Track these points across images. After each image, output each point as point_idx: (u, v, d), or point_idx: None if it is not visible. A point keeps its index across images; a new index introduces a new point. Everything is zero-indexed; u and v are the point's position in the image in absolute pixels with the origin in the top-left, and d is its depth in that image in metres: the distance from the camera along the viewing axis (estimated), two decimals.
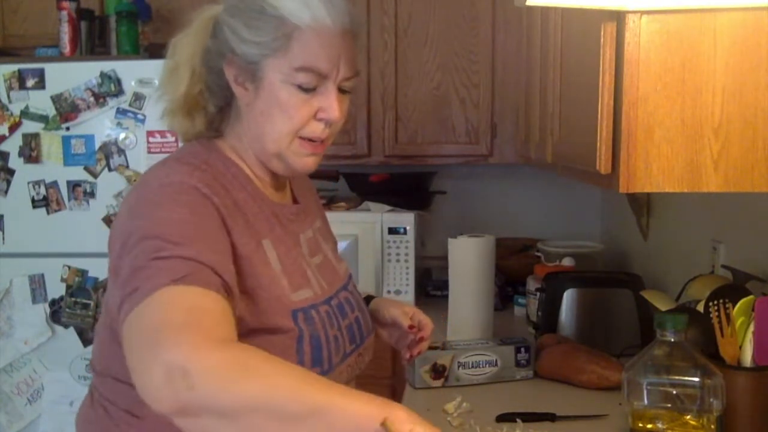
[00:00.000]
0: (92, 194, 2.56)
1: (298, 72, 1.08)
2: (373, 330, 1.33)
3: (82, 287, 2.57)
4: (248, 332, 1.03)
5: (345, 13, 1.11)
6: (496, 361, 1.82)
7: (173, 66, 1.16)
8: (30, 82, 2.56)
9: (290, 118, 1.10)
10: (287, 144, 1.12)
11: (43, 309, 2.60)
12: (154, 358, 0.84)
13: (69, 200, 2.58)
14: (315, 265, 1.22)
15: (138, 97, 2.52)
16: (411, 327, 1.37)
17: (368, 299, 1.43)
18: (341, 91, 1.13)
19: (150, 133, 2.52)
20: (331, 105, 1.11)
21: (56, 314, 2.59)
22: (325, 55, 1.09)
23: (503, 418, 1.57)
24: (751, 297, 1.35)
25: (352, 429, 0.81)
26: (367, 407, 0.83)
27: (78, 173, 2.57)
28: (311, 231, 1.27)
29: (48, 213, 2.59)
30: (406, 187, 2.83)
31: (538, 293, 2.18)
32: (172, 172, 1.07)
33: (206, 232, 1.00)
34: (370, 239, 2.58)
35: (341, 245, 1.38)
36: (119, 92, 2.52)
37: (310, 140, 1.13)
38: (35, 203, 2.59)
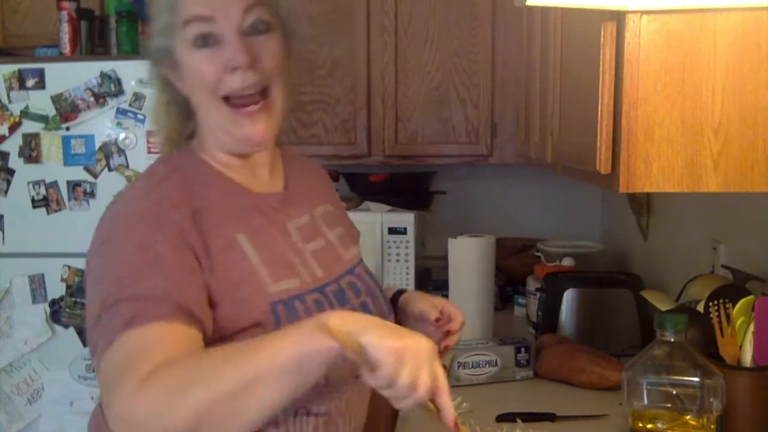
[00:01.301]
0: (92, 194, 2.56)
1: (187, 27, 1.07)
2: (388, 316, 1.26)
3: (82, 287, 2.57)
4: (227, 337, 1.03)
5: None
6: (496, 361, 1.82)
7: (165, 101, 1.17)
8: (30, 82, 2.56)
9: (202, 79, 1.08)
10: (218, 111, 1.10)
11: (43, 309, 2.60)
12: (110, 412, 0.90)
13: (69, 200, 2.58)
14: (311, 251, 1.18)
15: (138, 97, 2.52)
16: (437, 320, 1.30)
17: (399, 294, 1.39)
18: (255, 33, 1.09)
19: (150, 133, 2.52)
20: (234, 49, 1.06)
21: (56, 314, 2.59)
22: (203, 3, 1.07)
23: (503, 418, 1.57)
24: (751, 297, 1.35)
25: (297, 359, 0.83)
26: (298, 332, 0.85)
27: (78, 173, 2.57)
28: (307, 217, 1.22)
29: (48, 213, 2.59)
30: (406, 187, 2.83)
31: (538, 293, 2.18)
32: (130, 197, 1.09)
33: (157, 260, 0.99)
34: (370, 239, 2.58)
35: None
36: (119, 92, 2.52)
37: (240, 103, 1.09)
38: (35, 203, 2.59)
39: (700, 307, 1.41)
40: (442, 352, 1.33)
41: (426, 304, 1.33)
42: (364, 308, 1.20)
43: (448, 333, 1.32)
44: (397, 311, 1.36)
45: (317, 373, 0.85)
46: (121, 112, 2.53)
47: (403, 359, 0.82)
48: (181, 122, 1.17)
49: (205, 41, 1.07)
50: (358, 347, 0.81)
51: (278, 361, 0.84)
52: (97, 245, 1.05)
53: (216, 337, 1.02)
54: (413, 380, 0.83)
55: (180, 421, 0.84)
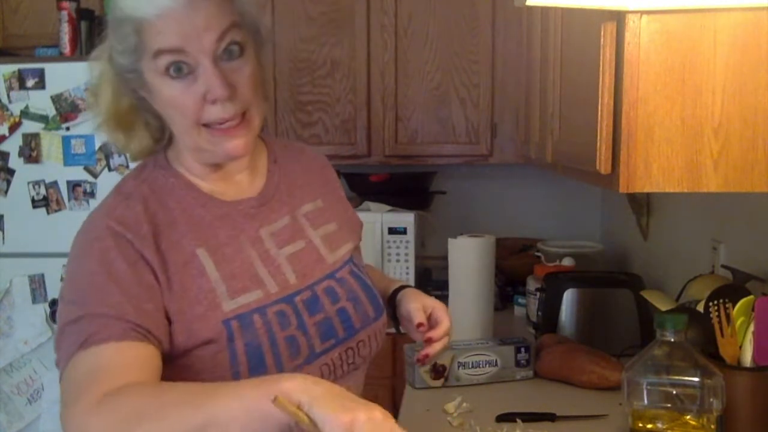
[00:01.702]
0: (92, 194, 2.56)
1: (157, 59, 1.02)
2: (375, 320, 1.20)
3: None
4: (182, 353, 1.03)
5: None
6: (496, 361, 1.82)
7: (93, 86, 1.14)
8: (30, 82, 2.56)
9: (181, 112, 1.05)
10: (197, 135, 1.07)
11: (43, 309, 2.60)
12: (65, 429, 0.92)
13: (69, 200, 2.58)
14: (286, 255, 1.15)
15: None
16: (419, 325, 1.23)
17: (401, 289, 1.33)
18: (230, 58, 1.04)
19: None
20: (212, 83, 1.02)
21: (56, 314, 2.59)
22: (175, 33, 1.01)
23: (503, 418, 1.57)
24: (751, 297, 1.35)
25: (247, 419, 0.81)
26: (253, 391, 0.82)
27: (78, 173, 2.57)
28: (287, 218, 1.18)
29: (48, 213, 2.59)
30: (406, 187, 2.83)
31: (538, 293, 2.18)
32: (94, 216, 1.09)
33: (113, 278, 1.01)
34: (370, 239, 2.58)
35: None
36: None
37: (220, 126, 1.06)
38: (35, 203, 2.59)
39: (700, 307, 1.41)
40: (421, 360, 1.26)
41: (416, 306, 1.26)
42: (341, 315, 1.15)
43: (429, 340, 1.24)
44: (395, 308, 1.32)
45: (275, 428, 0.81)
46: None
47: None
48: (156, 122, 1.14)
49: (179, 71, 1.03)
50: (309, 422, 0.77)
51: (232, 416, 0.81)
52: (68, 263, 1.08)
53: (171, 354, 1.03)
54: None
55: None
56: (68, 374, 0.97)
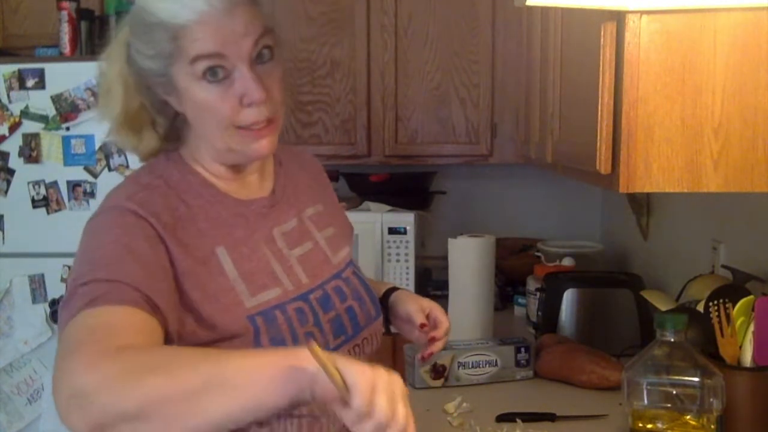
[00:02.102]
0: (92, 194, 2.56)
1: (195, 64, 1.03)
2: (375, 319, 1.25)
3: None
4: (203, 344, 1.03)
5: None
6: (496, 361, 1.82)
7: (106, 87, 1.14)
8: (30, 82, 2.56)
9: (216, 115, 1.07)
10: (230, 137, 1.08)
11: (43, 309, 2.60)
12: (58, 384, 0.87)
13: (69, 200, 2.58)
14: (296, 256, 1.17)
15: None
16: (422, 325, 1.29)
17: (392, 291, 1.38)
18: (262, 62, 1.07)
19: None
20: (249, 86, 1.04)
21: (56, 314, 2.58)
22: (216, 40, 1.03)
23: (503, 418, 1.57)
24: (751, 297, 1.35)
25: (259, 381, 0.82)
26: (268, 357, 0.84)
27: (78, 173, 2.57)
28: (295, 220, 1.21)
29: (48, 213, 2.59)
30: (406, 187, 2.83)
31: (538, 293, 2.18)
32: (115, 196, 1.08)
33: (133, 251, 1.00)
34: (370, 239, 2.58)
35: None
36: None
37: (252, 128, 1.08)
38: (35, 203, 2.59)
39: (700, 307, 1.41)
40: (425, 359, 1.33)
41: (414, 307, 1.32)
42: (350, 313, 1.19)
43: (433, 339, 1.31)
44: (387, 309, 1.35)
45: (282, 397, 0.82)
46: None
47: (377, 388, 0.81)
48: (165, 122, 1.14)
49: (215, 75, 1.05)
50: (335, 370, 0.79)
51: (247, 376, 0.82)
52: (82, 238, 1.06)
53: (189, 343, 1.02)
54: (391, 410, 0.81)
55: (129, 401, 0.82)
56: (71, 329, 0.93)
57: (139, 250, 1.00)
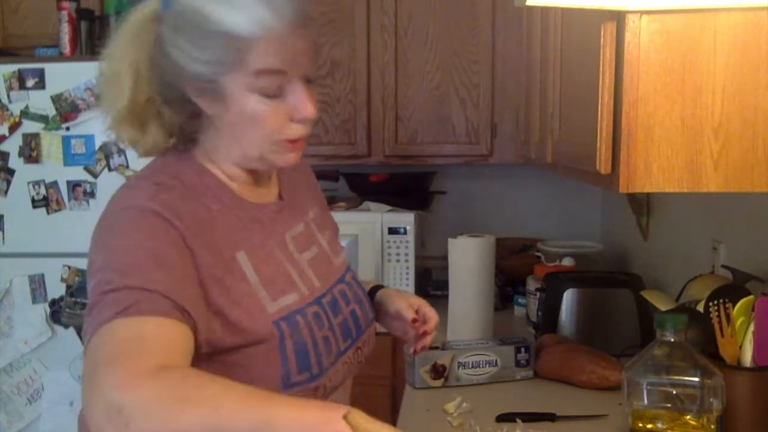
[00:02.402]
0: (92, 194, 2.56)
1: (258, 77, 1.04)
2: (372, 321, 1.29)
3: (82, 287, 2.57)
4: (228, 349, 1.02)
5: (288, 9, 1.05)
6: (496, 361, 1.82)
7: (112, 73, 1.10)
8: (30, 82, 2.56)
9: (264, 128, 1.07)
10: (268, 147, 1.09)
11: (43, 309, 2.60)
12: (94, 395, 0.85)
13: (69, 200, 2.58)
14: (306, 260, 1.18)
15: None
16: (414, 320, 1.31)
17: (376, 289, 1.40)
18: (309, 81, 1.09)
19: None
20: (304, 103, 1.07)
21: (56, 314, 2.59)
22: (280, 56, 1.04)
23: (503, 418, 1.57)
24: (751, 297, 1.35)
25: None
26: (313, 412, 0.84)
27: (78, 173, 2.57)
28: (302, 225, 1.22)
29: (48, 213, 2.59)
30: (406, 187, 2.83)
31: (538, 293, 2.18)
32: (136, 194, 1.05)
33: (161, 257, 0.98)
34: (370, 239, 2.58)
35: (340, 244, 1.36)
36: None
37: (294, 141, 1.10)
38: (35, 203, 2.59)
39: (700, 307, 1.41)
40: (417, 352, 1.35)
41: (403, 303, 1.34)
42: (353, 316, 1.22)
43: (424, 334, 1.33)
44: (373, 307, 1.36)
45: None
46: None
47: None
48: (173, 118, 1.12)
49: (272, 91, 1.06)
50: None
51: (288, 426, 0.82)
52: (101, 236, 1.03)
53: (219, 350, 1.02)
54: None
55: (167, 429, 0.82)
56: (103, 337, 0.90)
57: (167, 256, 0.98)
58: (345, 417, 0.82)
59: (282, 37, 1.04)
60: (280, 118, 1.07)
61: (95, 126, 2.54)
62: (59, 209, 2.58)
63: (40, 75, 2.56)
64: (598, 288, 2.07)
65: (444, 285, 2.30)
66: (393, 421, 1.58)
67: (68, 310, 2.58)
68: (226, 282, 1.04)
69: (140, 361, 0.86)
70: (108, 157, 2.55)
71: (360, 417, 0.83)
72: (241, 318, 1.04)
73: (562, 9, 1.50)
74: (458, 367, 1.80)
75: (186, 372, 0.88)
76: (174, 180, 1.08)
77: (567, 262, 2.45)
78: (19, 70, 2.56)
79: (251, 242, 1.11)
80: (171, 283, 0.96)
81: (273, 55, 1.04)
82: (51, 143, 2.56)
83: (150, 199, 1.03)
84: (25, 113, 2.57)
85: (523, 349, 1.84)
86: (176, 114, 1.11)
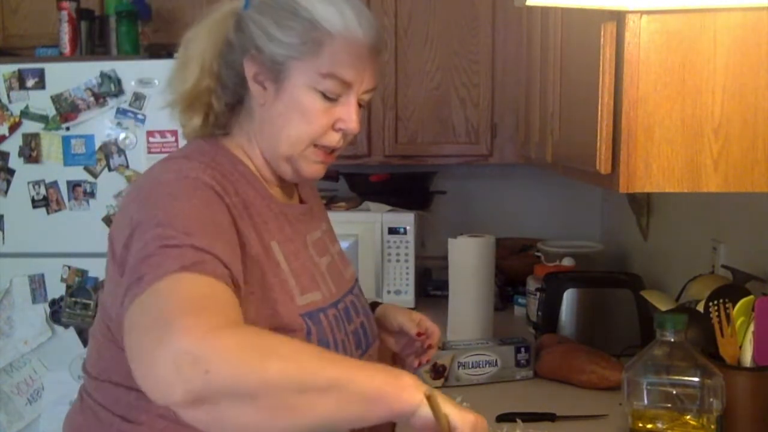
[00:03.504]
0: (92, 194, 2.56)
1: (325, 78, 1.07)
2: (377, 336, 1.30)
3: (82, 287, 2.57)
4: None
5: (374, 28, 1.11)
6: (496, 361, 1.82)
7: (183, 61, 1.14)
8: (30, 82, 2.56)
9: (309, 125, 1.09)
10: (302, 149, 1.11)
11: (43, 309, 2.60)
12: (162, 346, 0.79)
13: (69, 200, 2.58)
14: (324, 266, 1.20)
15: (138, 97, 2.52)
16: (419, 334, 1.35)
17: (374, 306, 1.40)
18: (359, 103, 1.13)
19: (150, 133, 2.52)
20: (351, 116, 1.10)
21: (56, 314, 2.59)
22: (353, 66, 1.08)
23: (503, 418, 1.57)
24: (751, 297, 1.35)
25: (371, 397, 0.82)
26: (384, 374, 0.85)
27: (78, 173, 2.57)
28: (319, 232, 1.25)
29: (48, 213, 2.59)
30: (406, 187, 2.83)
31: (538, 293, 2.18)
32: (186, 167, 1.04)
33: (219, 226, 0.98)
34: (370, 239, 2.58)
35: (341, 245, 1.36)
36: (119, 92, 2.52)
37: (324, 148, 1.13)
38: (35, 203, 2.59)
39: (700, 307, 1.41)
40: (422, 364, 1.39)
41: (405, 318, 1.36)
42: (363, 327, 1.22)
43: (429, 347, 1.37)
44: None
45: (384, 417, 0.84)
46: (121, 112, 2.53)
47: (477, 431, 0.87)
48: (220, 106, 1.14)
49: (331, 96, 1.09)
50: (444, 416, 0.85)
51: (359, 387, 0.82)
52: (155, 197, 0.99)
53: None
54: None
55: (247, 379, 0.79)
56: (170, 287, 0.86)
57: (223, 226, 0.99)
58: (427, 396, 0.84)
59: (360, 51, 1.08)
60: (324, 121, 1.10)
61: (95, 126, 2.55)
62: (59, 209, 2.58)
63: (40, 75, 2.56)
64: (598, 288, 2.07)
65: (444, 285, 2.30)
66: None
67: (68, 310, 2.58)
68: (263, 266, 1.06)
69: (217, 315, 0.83)
70: (108, 157, 2.55)
71: (441, 398, 0.85)
72: (275, 304, 1.05)
73: (562, 9, 1.50)
74: (458, 367, 1.80)
75: (263, 330, 0.88)
76: (213, 162, 1.09)
77: (567, 262, 2.45)
78: (19, 70, 2.56)
79: (283, 234, 1.13)
80: (228, 253, 0.95)
81: (348, 66, 1.08)
82: (51, 143, 2.56)
83: (202, 172, 1.03)
84: (25, 113, 2.57)
85: (523, 349, 1.84)
86: (221, 99, 1.14)
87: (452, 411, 0.86)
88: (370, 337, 1.24)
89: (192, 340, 0.79)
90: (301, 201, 1.26)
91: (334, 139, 1.12)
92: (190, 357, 0.78)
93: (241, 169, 1.13)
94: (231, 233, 1.00)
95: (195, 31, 1.15)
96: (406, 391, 0.84)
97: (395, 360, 1.41)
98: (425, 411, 0.83)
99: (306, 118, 1.09)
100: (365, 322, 1.24)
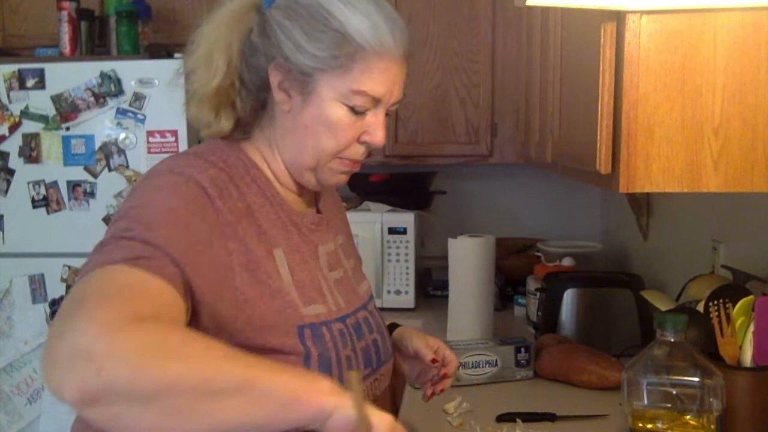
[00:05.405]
0: (92, 194, 2.56)
1: (355, 95, 1.05)
2: (392, 356, 1.25)
3: None
4: (250, 349, 0.98)
5: (406, 35, 1.08)
6: (496, 361, 1.82)
7: (207, 53, 1.09)
8: (30, 82, 2.56)
9: (336, 139, 1.07)
10: (324, 159, 1.09)
11: (43, 309, 2.60)
12: (61, 338, 0.77)
13: (69, 200, 2.58)
14: (333, 280, 1.16)
15: (138, 97, 2.52)
16: (434, 361, 1.29)
17: (392, 327, 1.36)
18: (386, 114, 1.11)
19: (150, 133, 2.53)
20: (378, 130, 1.08)
21: (56, 314, 2.59)
22: (383, 81, 1.06)
23: (503, 418, 1.57)
24: (751, 297, 1.35)
25: (281, 401, 0.79)
26: (296, 379, 0.82)
27: (78, 173, 2.57)
28: (332, 244, 1.21)
29: (48, 213, 2.59)
30: (406, 187, 2.83)
31: (538, 293, 2.18)
32: (186, 164, 1.03)
33: (190, 226, 0.95)
34: (370, 239, 2.58)
35: None
36: (119, 92, 2.52)
37: (348, 159, 1.11)
38: (35, 203, 2.59)
39: (700, 307, 1.41)
40: (435, 394, 1.33)
41: (421, 343, 1.30)
42: (375, 345, 1.18)
43: (444, 376, 1.31)
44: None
45: (297, 421, 0.80)
46: (121, 112, 2.53)
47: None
48: (243, 108, 1.11)
49: (360, 110, 1.07)
50: (365, 417, 0.81)
51: (271, 390, 0.79)
52: (142, 188, 1.01)
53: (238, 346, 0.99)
54: None
55: (141, 382, 0.75)
56: (101, 276, 0.85)
57: (195, 227, 0.96)
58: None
59: (391, 62, 1.06)
60: (350, 134, 1.08)
61: (95, 126, 2.55)
62: (59, 209, 2.58)
63: (40, 75, 2.56)
64: (598, 288, 2.07)
65: (444, 285, 2.30)
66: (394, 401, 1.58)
67: None
68: (257, 275, 1.02)
69: (128, 309, 0.81)
70: (108, 157, 2.55)
71: (359, 406, 0.82)
72: (268, 314, 1.02)
73: (562, 9, 1.50)
74: (458, 367, 1.80)
75: (174, 326, 0.85)
76: (222, 163, 1.07)
77: (567, 262, 2.45)
78: (19, 70, 2.56)
79: (289, 242, 1.10)
80: (188, 254, 0.93)
81: (379, 82, 1.05)
82: (51, 143, 2.56)
83: (200, 172, 1.01)
84: (25, 113, 2.57)
85: (523, 349, 1.84)
86: (248, 103, 1.11)
87: (371, 413, 0.82)
88: (382, 355, 1.19)
89: (90, 335, 0.76)
90: (318, 211, 1.22)
91: (358, 151, 1.10)
92: (84, 354, 0.75)
93: (253, 174, 1.10)
94: (202, 237, 0.96)
95: (215, 22, 1.10)
96: (321, 395, 0.80)
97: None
98: (341, 415, 0.80)
99: (332, 131, 1.07)
100: (378, 340, 1.19)
